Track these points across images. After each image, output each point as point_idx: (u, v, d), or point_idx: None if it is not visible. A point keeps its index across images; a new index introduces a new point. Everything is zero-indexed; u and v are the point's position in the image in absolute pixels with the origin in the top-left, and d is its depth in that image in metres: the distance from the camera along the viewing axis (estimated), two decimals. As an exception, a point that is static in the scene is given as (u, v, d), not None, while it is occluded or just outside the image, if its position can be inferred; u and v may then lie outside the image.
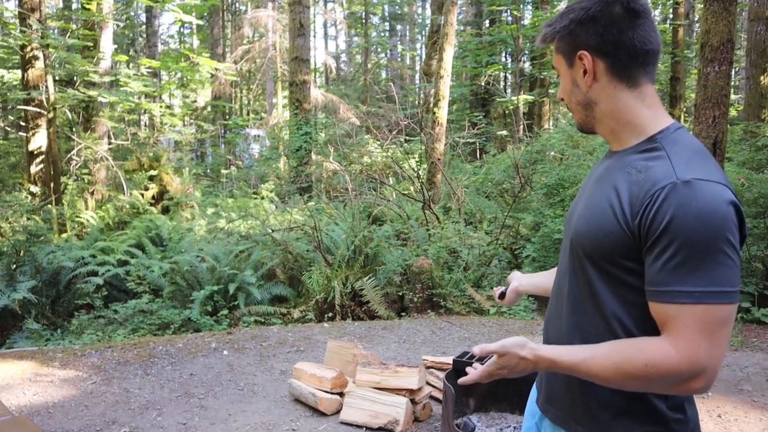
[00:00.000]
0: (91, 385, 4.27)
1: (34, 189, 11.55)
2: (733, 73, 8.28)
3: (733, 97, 18.78)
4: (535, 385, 1.62)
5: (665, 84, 16.18)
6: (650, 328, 1.23)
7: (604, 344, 1.24)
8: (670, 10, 16.93)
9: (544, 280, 1.78)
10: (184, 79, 16.30)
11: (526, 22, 20.00)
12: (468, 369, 1.40)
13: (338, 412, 3.75)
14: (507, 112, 20.56)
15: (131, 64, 15.06)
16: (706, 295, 1.13)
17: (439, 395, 3.90)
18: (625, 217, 1.22)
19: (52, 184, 11.29)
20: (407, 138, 13.23)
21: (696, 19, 20.54)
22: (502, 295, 1.85)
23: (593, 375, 1.22)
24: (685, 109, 15.78)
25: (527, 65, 20.45)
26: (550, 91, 18.14)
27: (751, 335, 5.53)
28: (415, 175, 9.87)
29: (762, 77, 10.18)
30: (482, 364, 1.38)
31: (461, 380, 1.39)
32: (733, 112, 16.22)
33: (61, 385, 4.28)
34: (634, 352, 1.18)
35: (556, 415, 1.43)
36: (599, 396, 1.31)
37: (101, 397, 4.07)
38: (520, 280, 1.83)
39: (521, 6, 18.85)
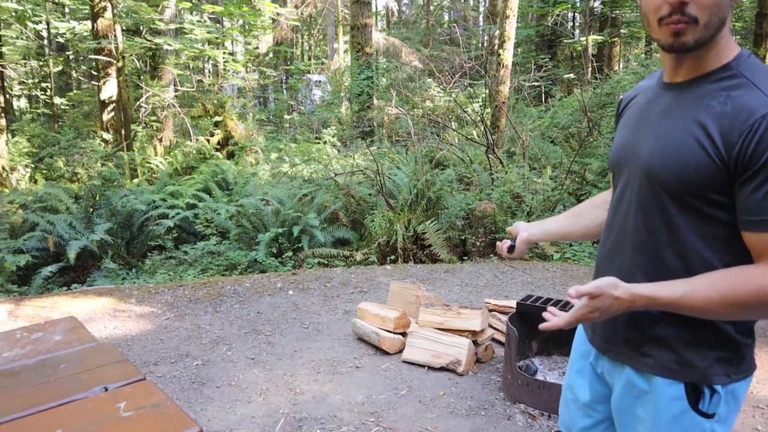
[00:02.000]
0: (165, 321, 4.47)
1: (107, 136, 11.99)
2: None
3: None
4: (581, 327, 1.59)
5: (750, 21, 15.12)
6: (731, 260, 1.23)
7: (698, 277, 1.22)
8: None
9: (557, 225, 1.75)
10: (246, 25, 16.34)
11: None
12: (546, 315, 1.34)
13: (401, 351, 3.81)
14: (575, 54, 19.75)
15: (194, 11, 15.17)
16: None
17: (502, 338, 3.90)
18: (717, 150, 1.18)
19: (123, 131, 11.69)
20: (471, 81, 12.93)
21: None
22: (511, 248, 1.75)
23: (696, 307, 1.20)
24: (771, 48, 14.73)
25: (597, 3, 19.45)
26: (621, 30, 17.26)
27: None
28: (479, 119, 9.67)
29: None
30: (557, 307, 1.35)
31: (544, 326, 1.32)
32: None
33: (137, 320, 4.51)
34: (742, 281, 1.17)
35: (620, 353, 1.40)
36: (668, 330, 1.31)
37: (175, 331, 4.26)
38: (529, 230, 1.76)
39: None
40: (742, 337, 1.28)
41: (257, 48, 20.10)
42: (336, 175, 8.27)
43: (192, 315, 4.59)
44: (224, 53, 16.92)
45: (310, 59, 25.37)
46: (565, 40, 18.36)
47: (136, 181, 10.24)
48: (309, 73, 20.28)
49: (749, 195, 1.16)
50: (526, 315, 3.45)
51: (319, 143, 12.66)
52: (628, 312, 1.32)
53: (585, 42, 16.04)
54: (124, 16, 12.55)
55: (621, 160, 1.42)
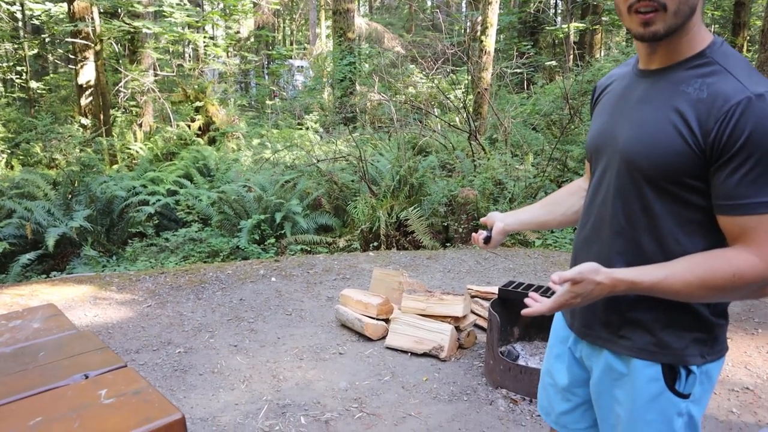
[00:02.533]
0: (146, 308, 4.44)
1: (85, 121, 11.81)
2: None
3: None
4: (560, 313, 1.62)
5: (729, 10, 15.25)
6: (707, 244, 1.26)
7: (677, 261, 1.25)
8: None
9: (533, 214, 1.75)
10: (227, 8, 16.15)
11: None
12: (528, 301, 1.35)
13: (384, 337, 3.82)
14: (557, 41, 19.77)
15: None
16: None
17: (484, 324, 3.93)
18: (694, 136, 1.20)
19: (101, 116, 11.52)
20: (453, 68, 12.92)
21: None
22: (487, 239, 1.74)
23: (675, 291, 1.22)
24: (748, 38, 14.87)
25: (580, -9, 19.47)
26: (603, 18, 17.31)
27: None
28: (461, 105, 9.67)
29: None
30: (538, 293, 1.35)
31: (526, 311, 1.32)
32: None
33: (118, 307, 4.47)
34: (719, 264, 1.20)
35: (598, 336, 1.42)
36: (646, 313, 1.33)
37: (156, 319, 4.24)
38: (504, 220, 1.75)
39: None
40: (716, 318, 1.32)
41: (238, 32, 19.89)
42: (318, 161, 8.24)
43: (174, 302, 4.56)
44: (205, 37, 16.70)
45: (291, 44, 25.17)
46: (547, 27, 18.39)
47: (115, 167, 10.11)
48: (291, 58, 20.12)
49: (724, 180, 1.18)
50: (508, 301, 3.48)
51: (301, 129, 12.59)
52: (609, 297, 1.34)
53: (567, 29, 16.07)
54: (101, -2, 12.32)
55: (599, 147, 1.43)
